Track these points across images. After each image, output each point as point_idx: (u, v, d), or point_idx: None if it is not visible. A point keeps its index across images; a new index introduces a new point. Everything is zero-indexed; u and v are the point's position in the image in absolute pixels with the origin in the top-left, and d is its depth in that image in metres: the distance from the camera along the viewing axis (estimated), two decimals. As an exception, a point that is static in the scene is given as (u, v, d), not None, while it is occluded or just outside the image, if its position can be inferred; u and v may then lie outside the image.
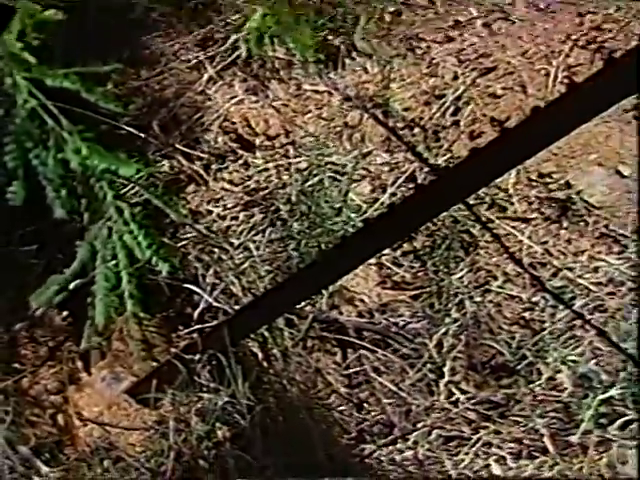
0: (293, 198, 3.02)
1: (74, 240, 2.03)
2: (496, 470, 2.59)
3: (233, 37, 2.87)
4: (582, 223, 2.92)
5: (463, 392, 2.72)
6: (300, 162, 3.08)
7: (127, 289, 2.01)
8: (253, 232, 3.01)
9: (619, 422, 2.60)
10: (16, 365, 2.82)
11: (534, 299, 2.80)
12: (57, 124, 1.98)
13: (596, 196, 2.94)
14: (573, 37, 3.16)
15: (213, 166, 3.13)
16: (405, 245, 2.91)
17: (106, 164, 1.98)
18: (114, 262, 2.01)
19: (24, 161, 1.97)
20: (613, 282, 2.82)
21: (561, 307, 2.73)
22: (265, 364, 2.79)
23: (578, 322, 2.70)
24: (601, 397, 2.63)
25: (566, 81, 3.01)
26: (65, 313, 2.86)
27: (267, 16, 2.35)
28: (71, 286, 2.08)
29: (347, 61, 3.21)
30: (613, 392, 2.62)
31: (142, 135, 3.08)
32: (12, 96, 1.98)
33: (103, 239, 2.02)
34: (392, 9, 3.22)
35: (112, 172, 2.00)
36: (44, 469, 2.67)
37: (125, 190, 2.40)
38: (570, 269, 2.85)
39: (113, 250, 2.01)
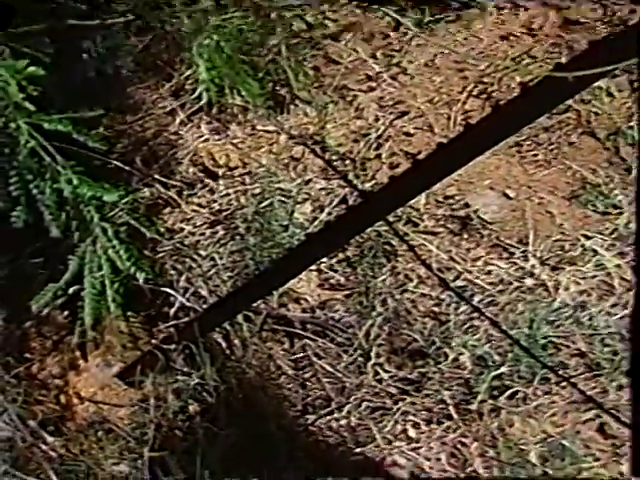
0: (249, 217, 3.00)
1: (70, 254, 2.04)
2: (412, 433, 2.60)
3: (200, 88, 2.88)
4: (478, 235, 2.93)
5: (386, 372, 2.73)
6: (255, 188, 3.07)
7: (110, 294, 2.01)
8: (217, 245, 2.99)
9: (508, 393, 2.62)
10: (27, 355, 2.80)
11: (441, 296, 2.80)
12: (53, 160, 1.97)
13: (489, 214, 2.96)
14: (468, 88, 3.18)
15: (185, 192, 3.11)
16: (339, 254, 2.90)
17: (93, 192, 1.98)
18: (100, 272, 2.02)
19: (26, 191, 1.97)
20: (503, 282, 2.83)
21: (462, 303, 2.74)
22: (228, 352, 2.78)
23: (476, 314, 2.72)
24: (494, 374, 2.63)
25: (463, 123, 3.01)
26: (66, 313, 2.83)
27: (212, 70, 2.36)
28: (70, 291, 2.08)
29: (291, 107, 3.20)
30: (503, 369, 2.64)
31: (127, 168, 3.06)
32: (16, 138, 1.98)
33: (91, 254, 2.01)
34: (311, 65, 3.21)
35: (98, 198, 2.00)
36: (49, 439, 2.65)
37: (113, 213, 2.38)
38: (469, 272, 2.86)
39: (99, 262, 2.01)
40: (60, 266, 2.62)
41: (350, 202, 2.98)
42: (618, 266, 2.78)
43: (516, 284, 2.83)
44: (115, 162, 3.02)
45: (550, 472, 2.41)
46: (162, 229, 3.02)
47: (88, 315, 2.01)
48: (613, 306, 2.70)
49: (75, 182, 1.97)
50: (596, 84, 2.65)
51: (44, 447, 2.62)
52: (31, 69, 2.04)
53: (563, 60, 2.68)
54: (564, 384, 2.53)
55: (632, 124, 3.01)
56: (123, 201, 2.99)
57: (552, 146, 3.07)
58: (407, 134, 3.14)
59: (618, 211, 2.92)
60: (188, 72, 3.19)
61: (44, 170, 1.98)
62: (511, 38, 3.19)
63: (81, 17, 2.47)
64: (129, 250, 2.05)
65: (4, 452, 2.57)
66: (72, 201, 1.99)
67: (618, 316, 2.68)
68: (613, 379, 2.55)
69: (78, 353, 2.81)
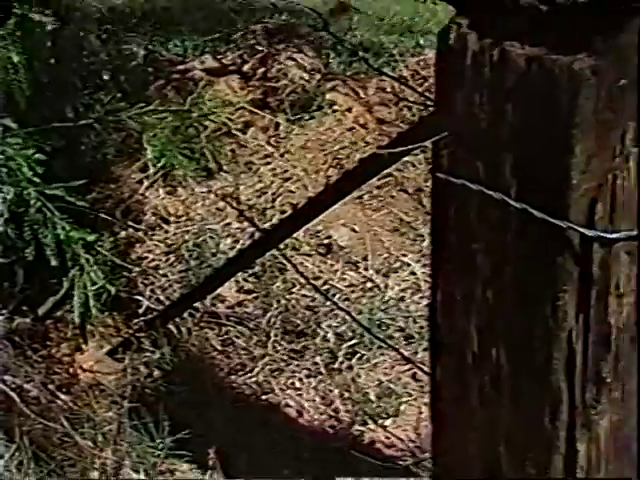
0: (191, 248, 2.98)
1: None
2: (297, 385, 2.59)
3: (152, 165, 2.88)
4: (337, 255, 2.93)
5: (281, 345, 2.71)
6: (194, 229, 3.04)
7: (91, 302, 1.99)
8: (171, 267, 2.96)
9: (357, 356, 2.62)
10: (47, 342, 2.73)
11: (315, 296, 2.80)
12: (52, 215, 1.96)
13: (344, 241, 2.96)
14: (328, 162, 3.21)
15: (149, 233, 3.08)
16: (249, 270, 2.88)
17: (79, 235, 1.97)
18: (85, 288, 2.00)
19: (34, 236, 1.95)
20: (353, 285, 2.85)
21: (327, 300, 2.75)
22: (179, 336, 2.74)
23: (335, 307, 2.72)
24: (348, 344, 2.63)
25: (324, 183, 3.04)
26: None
27: (156, 153, 2.36)
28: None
29: (217, 176, 3.19)
30: (354, 341, 2.64)
31: (110, 218, 3.03)
32: (27, 201, 1.96)
33: (78, 276, 1.99)
34: (229, 148, 3.23)
35: (83, 239, 1.99)
36: (62, 397, 2.58)
37: (101, 249, 2.33)
38: (332, 279, 2.86)
39: (84, 282, 1.99)
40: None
41: (255, 236, 2.97)
42: (423, 273, 2.82)
43: (361, 286, 2.85)
44: (103, 215, 2.98)
45: (382, 405, 2.44)
46: (134, 257, 2.99)
47: (77, 316, 2.01)
48: (420, 298, 2.73)
49: (67, 229, 1.96)
50: (405, 159, 2.70)
51: (59, 402, 2.56)
52: (37, 156, 2.02)
53: (384, 143, 2.72)
54: (391, 349, 2.55)
55: (428, 184, 3.03)
56: (110, 240, 3.00)
57: (381, 198, 3.09)
58: (291, 191, 3.14)
59: (422, 239, 2.95)
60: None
61: (47, 221, 1.96)
62: (353, 130, 3.25)
63: (63, 120, 2.45)
64: (104, 272, 2.05)
65: (33, 406, 2.50)
66: (65, 241, 1.98)
67: (423, 304, 2.71)
68: (420, 344, 2.58)
69: (81, 340, 2.74)
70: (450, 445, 1.64)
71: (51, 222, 1.95)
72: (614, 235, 1.37)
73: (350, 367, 2.60)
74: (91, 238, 1.99)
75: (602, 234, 1.36)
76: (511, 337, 1.49)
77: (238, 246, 2.98)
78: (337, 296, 2.80)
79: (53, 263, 1.96)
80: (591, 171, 1.34)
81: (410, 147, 1.80)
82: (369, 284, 2.86)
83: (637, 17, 1.26)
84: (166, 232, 3.10)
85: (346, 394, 2.53)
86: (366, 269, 2.90)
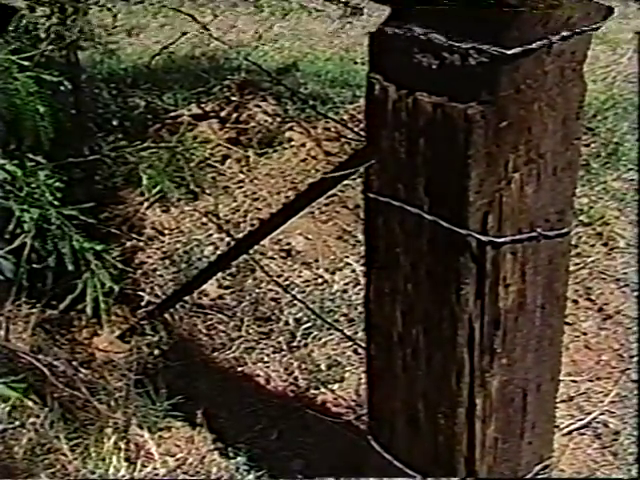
0: (181, 254, 2.93)
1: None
2: (266, 359, 2.54)
3: (148, 191, 2.85)
4: (296, 258, 2.89)
5: (252, 329, 2.66)
6: (184, 240, 3.00)
7: (101, 298, 1.95)
8: (166, 269, 2.90)
9: (311, 335, 2.58)
10: (72, 329, 2.67)
11: (278, 290, 2.76)
12: (69, 230, 1.91)
13: (300, 247, 2.92)
14: (287, 186, 3.18)
15: (148, 243, 3.02)
16: (227, 270, 2.83)
17: (90, 245, 1.93)
18: (95, 288, 1.96)
19: (55, 247, 1.91)
20: (307, 281, 2.81)
21: (287, 293, 2.70)
22: (172, 323, 2.68)
23: (294, 298, 2.67)
24: (304, 327, 2.60)
25: (284, 202, 3.01)
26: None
27: (150, 180, 2.33)
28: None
29: (201, 197, 3.17)
30: (308, 324, 2.61)
31: (119, 232, 2.99)
32: (49, 220, 1.92)
33: (90, 277, 1.95)
34: (210, 176, 3.22)
35: (93, 248, 1.95)
36: (84, 371, 2.51)
37: (110, 258, 2.27)
38: (291, 276, 2.83)
39: (94, 282, 1.95)
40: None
41: (231, 244, 2.91)
42: (361, 271, 2.79)
43: (313, 281, 2.81)
44: (113, 230, 2.93)
45: (331, 373, 2.42)
46: (137, 262, 2.92)
47: (89, 310, 1.96)
48: (359, 290, 2.69)
49: (81, 241, 1.93)
50: (345, 182, 2.71)
51: (81, 375, 2.49)
52: (56, 184, 1.98)
53: (329, 170, 2.71)
54: (337, 330, 2.53)
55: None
56: (119, 248, 2.94)
57: (328, 212, 3.06)
58: (258, 209, 3.10)
59: (360, 244, 2.87)
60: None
61: (64, 236, 1.92)
62: (306, 161, 3.24)
63: (82, 156, 2.42)
64: (111, 274, 2.01)
65: (61, 378, 2.41)
66: (80, 251, 1.94)
67: (361, 295, 2.67)
68: (360, 326, 2.53)
69: (97, 327, 2.69)
70: (381, 403, 1.64)
71: (68, 236, 1.91)
72: (501, 239, 1.39)
73: (306, 345, 2.57)
74: (99, 248, 1.95)
75: (493, 239, 1.39)
76: (426, 319, 1.50)
77: (218, 252, 2.93)
78: (295, 290, 2.76)
79: (70, 268, 1.92)
80: (483, 191, 1.36)
81: (348, 172, 1.79)
82: (320, 280, 2.83)
83: (512, 75, 1.29)
84: (162, 242, 3.05)
85: (303, 365, 2.50)
86: (317, 268, 2.88)
